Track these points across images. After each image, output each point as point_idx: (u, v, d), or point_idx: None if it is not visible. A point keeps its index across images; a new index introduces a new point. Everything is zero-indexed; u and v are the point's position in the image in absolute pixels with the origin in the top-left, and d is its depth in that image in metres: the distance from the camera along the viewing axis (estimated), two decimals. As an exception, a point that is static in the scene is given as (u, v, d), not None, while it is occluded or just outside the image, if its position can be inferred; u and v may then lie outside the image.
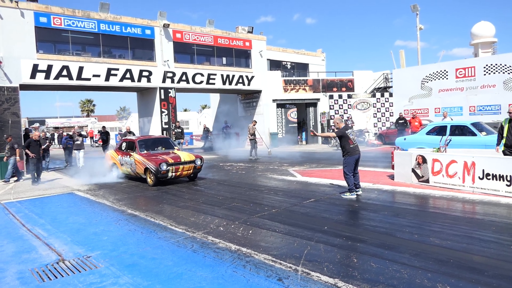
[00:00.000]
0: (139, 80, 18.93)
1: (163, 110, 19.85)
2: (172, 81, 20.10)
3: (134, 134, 18.41)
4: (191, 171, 11.02)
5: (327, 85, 25.19)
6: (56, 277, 4.38)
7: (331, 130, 22.72)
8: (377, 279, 3.87)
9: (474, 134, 10.94)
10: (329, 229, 5.71)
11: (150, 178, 10.71)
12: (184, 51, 20.90)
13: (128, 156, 11.66)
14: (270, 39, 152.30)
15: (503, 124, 8.09)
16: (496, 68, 18.90)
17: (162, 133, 19.82)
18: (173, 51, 20.09)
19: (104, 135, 18.53)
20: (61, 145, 17.85)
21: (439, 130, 11.59)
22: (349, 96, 24.29)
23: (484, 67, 19.34)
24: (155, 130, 19.97)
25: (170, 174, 10.47)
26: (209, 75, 21.42)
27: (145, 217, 7.02)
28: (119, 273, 4.38)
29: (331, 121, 23.77)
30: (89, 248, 5.36)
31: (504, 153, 7.96)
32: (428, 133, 11.98)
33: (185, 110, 63.00)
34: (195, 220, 6.61)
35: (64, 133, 18.78)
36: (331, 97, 24.23)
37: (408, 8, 26.22)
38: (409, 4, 27.43)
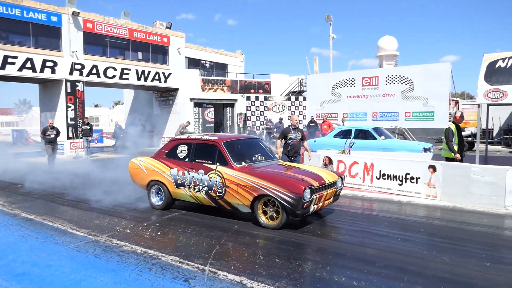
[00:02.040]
0: (41, 71, 17.27)
1: (69, 104, 18.35)
2: (81, 74, 18.69)
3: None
4: (332, 199, 6.26)
5: (244, 87, 25.59)
6: None
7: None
8: (281, 274, 4.01)
9: (375, 138, 11.98)
10: (239, 227, 5.78)
11: (262, 214, 5.76)
12: (96, 42, 19.59)
13: (200, 170, 6.36)
14: (190, 37, 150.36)
15: None
16: (396, 79, 20.93)
17: (67, 130, 18.30)
18: (83, 42, 18.70)
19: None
20: None
21: (345, 134, 12.47)
22: (266, 98, 24.97)
23: (386, 77, 21.26)
24: (59, 126, 18.28)
25: (312, 207, 5.65)
26: (122, 69, 20.36)
27: (42, 221, 6.40)
28: (6, 284, 3.93)
29: (248, 122, 24.22)
30: (-30, 257, 4.72)
31: None
32: (336, 136, 12.83)
33: (96, 106, 59.20)
34: (99, 223, 6.21)
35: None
36: (248, 98, 24.66)
37: (324, 18, 27.79)
38: (325, 14, 29.14)
